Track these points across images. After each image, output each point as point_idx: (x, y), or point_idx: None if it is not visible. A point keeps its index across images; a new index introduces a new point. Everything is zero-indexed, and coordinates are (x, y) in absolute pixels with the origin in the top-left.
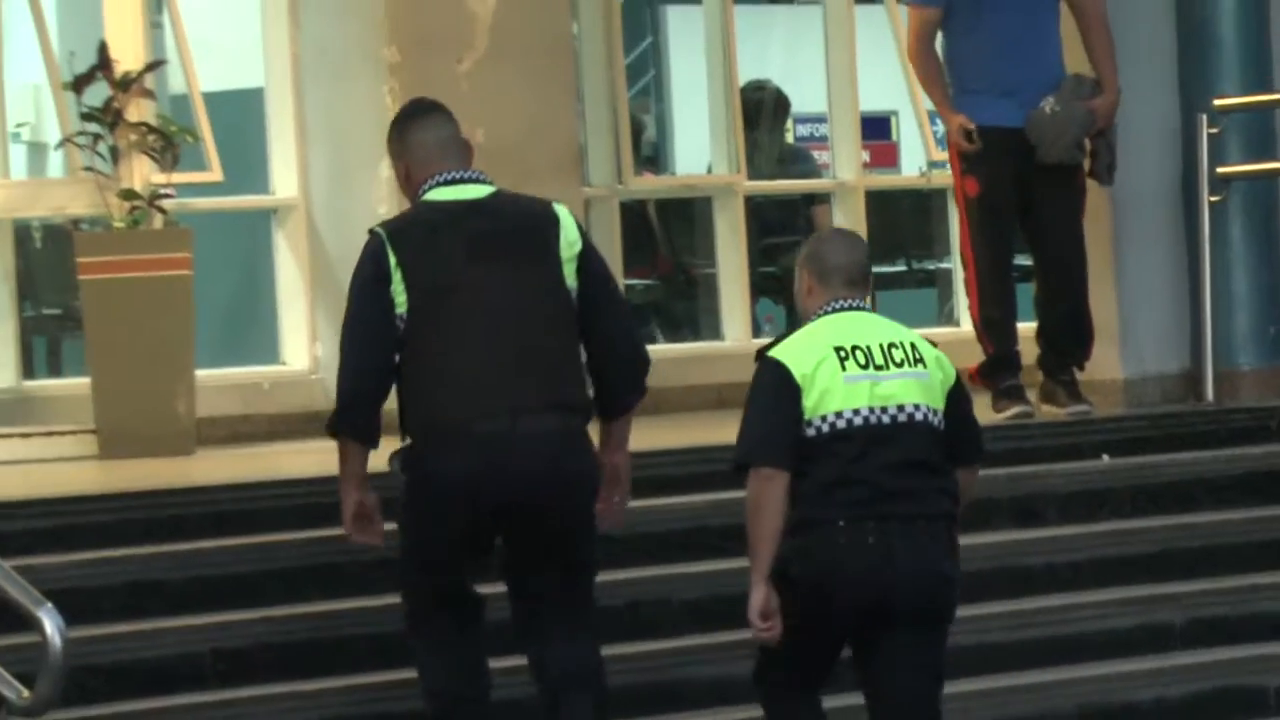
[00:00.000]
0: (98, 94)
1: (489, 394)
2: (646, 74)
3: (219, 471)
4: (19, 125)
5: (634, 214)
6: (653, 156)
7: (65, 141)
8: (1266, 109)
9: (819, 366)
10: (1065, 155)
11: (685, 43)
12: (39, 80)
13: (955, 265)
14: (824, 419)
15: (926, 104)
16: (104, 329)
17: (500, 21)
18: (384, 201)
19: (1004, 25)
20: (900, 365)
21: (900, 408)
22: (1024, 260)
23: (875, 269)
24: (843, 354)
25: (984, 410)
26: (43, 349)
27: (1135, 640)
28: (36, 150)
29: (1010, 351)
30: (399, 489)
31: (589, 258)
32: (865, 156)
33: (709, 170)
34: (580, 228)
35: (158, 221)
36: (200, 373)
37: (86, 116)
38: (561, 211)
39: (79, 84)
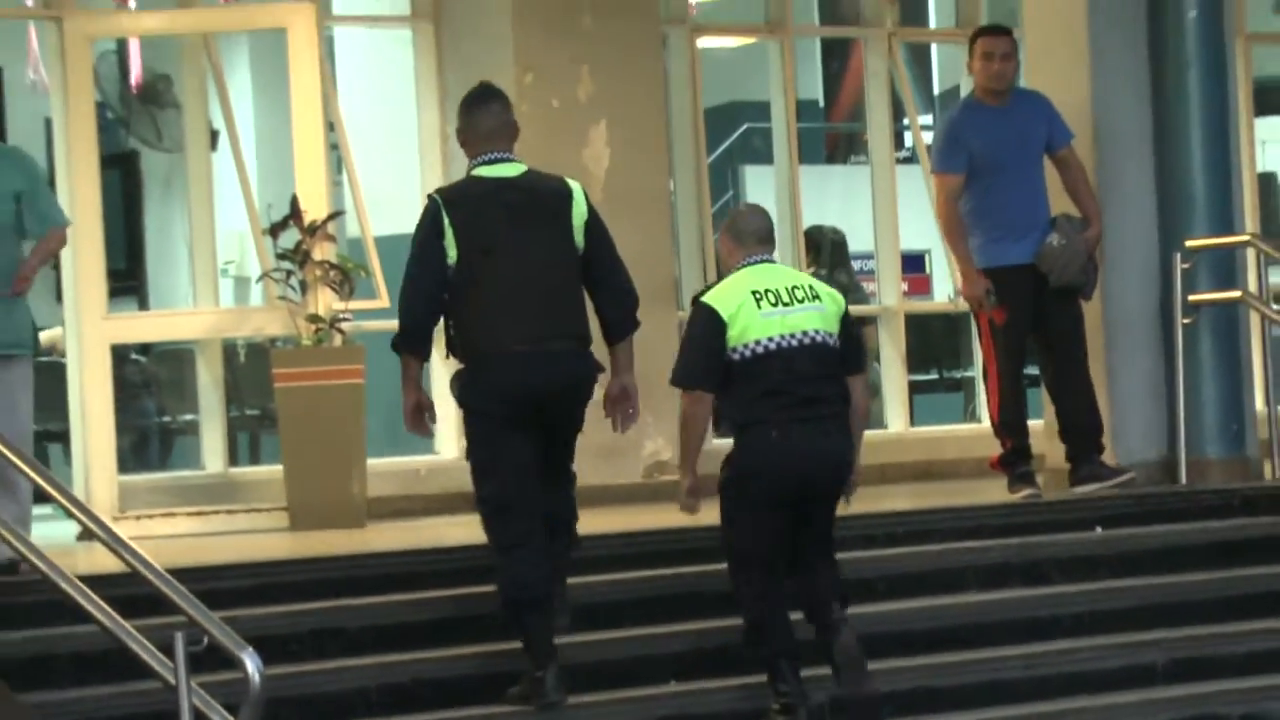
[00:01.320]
0: (290, 238)
1: (523, 326)
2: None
3: (385, 540)
4: (227, 263)
5: None
6: None
7: (264, 276)
8: (1228, 248)
9: (740, 307)
10: (1075, 279)
11: (760, 195)
12: (243, 228)
13: (977, 374)
14: (748, 346)
15: None
16: (293, 426)
17: (612, 178)
18: None
19: (1009, 185)
20: (802, 301)
21: (804, 333)
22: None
23: (912, 378)
24: (758, 296)
25: (1001, 492)
26: (245, 442)
27: (1125, 677)
28: (241, 284)
29: (1024, 444)
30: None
31: (594, 225)
32: (904, 286)
33: None
34: (588, 201)
35: (337, 340)
36: (370, 461)
37: (281, 256)
38: (575, 188)
39: (275, 230)
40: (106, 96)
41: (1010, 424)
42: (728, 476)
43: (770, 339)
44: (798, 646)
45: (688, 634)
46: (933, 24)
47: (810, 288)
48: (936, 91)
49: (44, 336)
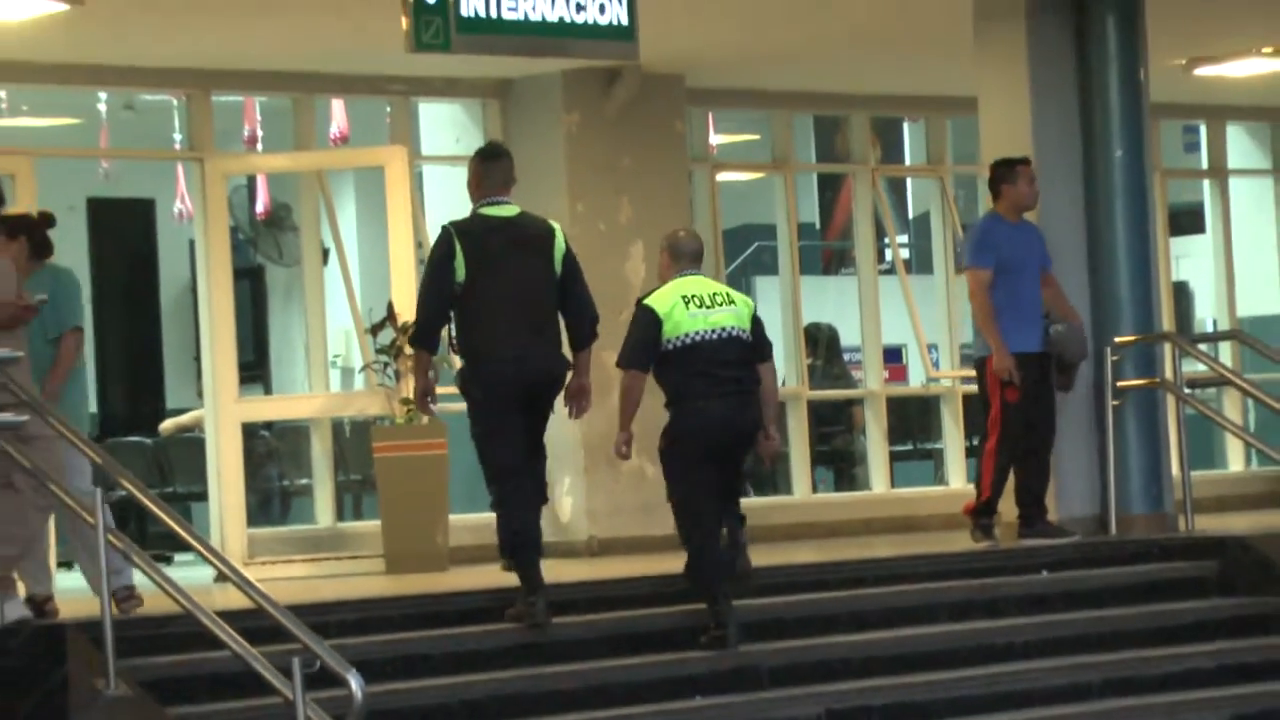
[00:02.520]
0: (386, 336)
1: (513, 333)
2: None
3: (464, 581)
4: (335, 356)
5: None
6: None
7: (366, 367)
8: (1149, 344)
9: (673, 308)
10: (1082, 355)
11: (767, 300)
12: (349, 327)
13: (946, 445)
14: (679, 338)
15: (926, 338)
16: (389, 488)
17: (647, 286)
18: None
19: (1023, 286)
20: (721, 305)
21: (723, 329)
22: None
23: (892, 448)
24: (687, 299)
25: (966, 542)
26: (350, 501)
27: (1068, 694)
28: (347, 373)
29: (996, 501)
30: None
31: (569, 259)
32: (885, 374)
33: (783, 383)
34: (566, 240)
35: (425, 419)
36: (452, 516)
37: (379, 351)
38: (556, 228)
39: (374, 330)
40: (238, 222)
41: (996, 484)
42: (667, 442)
43: (697, 333)
44: (726, 575)
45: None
46: (907, 161)
47: (727, 294)
48: (911, 215)
49: (187, 417)
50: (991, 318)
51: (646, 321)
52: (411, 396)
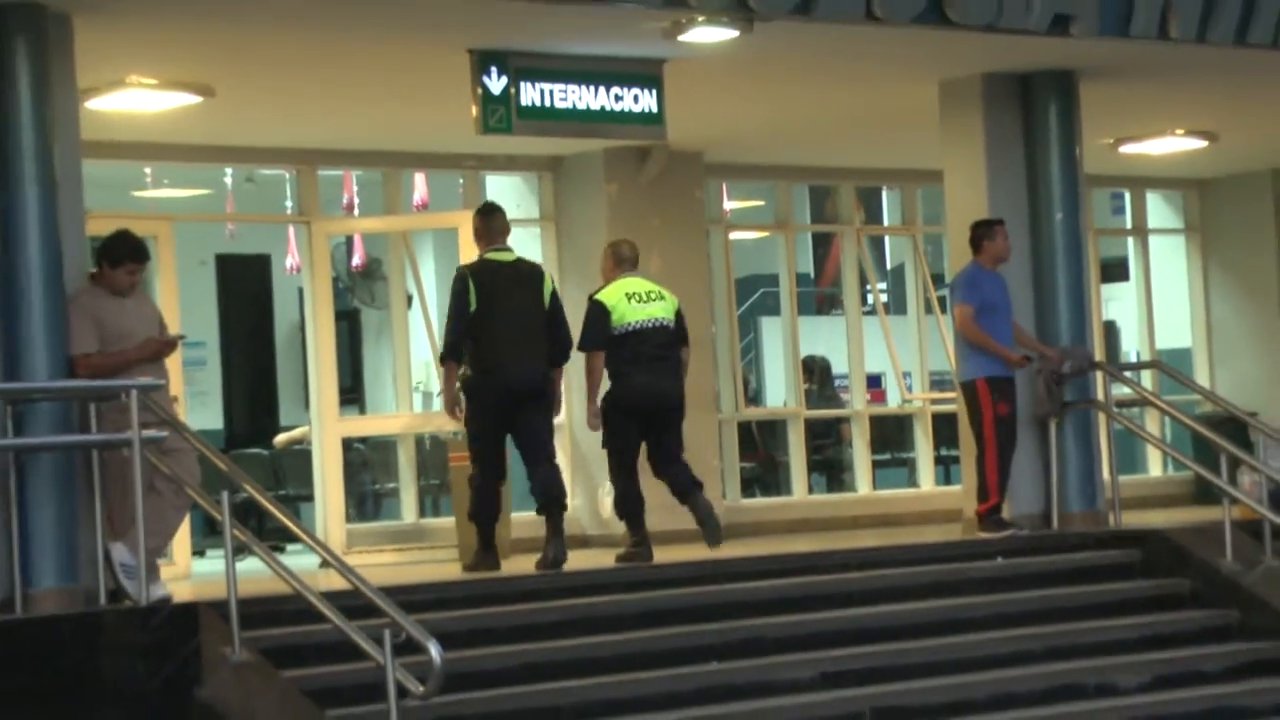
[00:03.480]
0: None
1: (512, 353)
2: (750, 352)
3: (523, 567)
4: (417, 383)
5: (745, 429)
6: (754, 397)
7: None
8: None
9: (618, 302)
10: (1085, 369)
11: (771, 337)
12: (428, 358)
13: (918, 455)
14: (623, 326)
15: (902, 367)
16: (461, 490)
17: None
18: None
19: (999, 323)
20: (654, 300)
21: (655, 319)
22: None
23: (873, 457)
24: (629, 295)
25: (933, 534)
26: (430, 501)
27: (1015, 659)
28: (427, 396)
29: (1002, 502)
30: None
31: (555, 296)
32: (868, 397)
33: (785, 404)
34: (553, 281)
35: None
36: (514, 513)
37: None
38: (546, 272)
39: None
40: (338, 273)
41: (1001, 486)
42: (606, 404)
43: (636, 322)
44: (643, 507)
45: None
46: (885, 222)
47: (659, 292)
48: (889, 267)
49: (297, 432)
50: (987, 338)
51: (598, 313)
52: (449, 414)
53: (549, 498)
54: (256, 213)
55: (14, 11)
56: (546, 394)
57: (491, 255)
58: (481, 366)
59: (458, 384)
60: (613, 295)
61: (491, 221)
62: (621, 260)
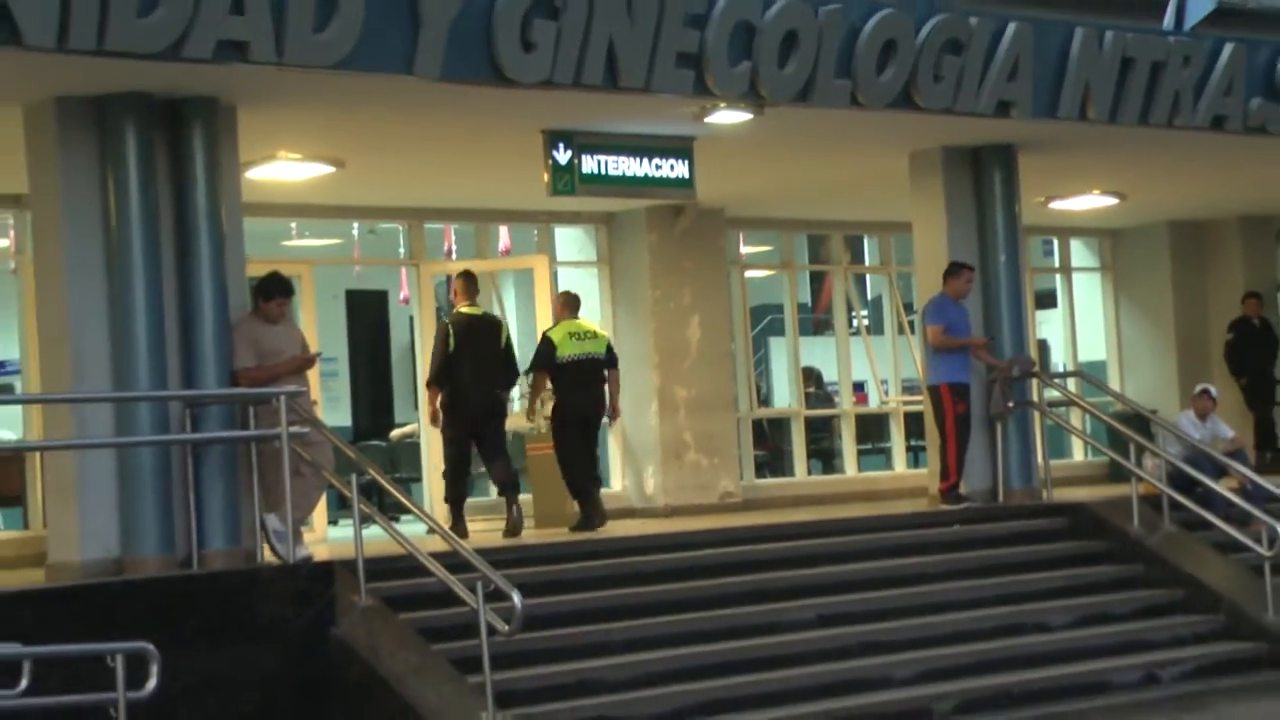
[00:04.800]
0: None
1: (475, 379)
2: (761, 364)
3: (588, 535)
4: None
5: (757, 425)
6: (765, 400)
7: (521, 397)
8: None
9: (563, 339)
10: (1028, 372)
11: (778, 352)
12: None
13: (893, 444)
14: (564, 358)
15: (880, 376)
16: (535, 473)
17: (700, 345)
18: (654, 415)
19: (959, 335)
20: (590, 339)
21: (589, 353)
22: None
23: (858, 447)
24: (570, 334)
25: (904, 507)
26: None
27: (970, 604)
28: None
29: (960, 480)
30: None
31: (508, 341)
32: (854, 399)
33: (789, 405)
34: (508, 332)
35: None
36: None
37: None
38: (503, 322)
39: (526, 373)
40: (441, 304)
41: (959, 469)
42: (555, 421)
43: (573, 355)
44: (586, 487)
45: (743, 581)
46: (867, 262)
47: (594, 332)
48: (869, 297)
49: (408, 428)
50: (955, 340)
51: (547, 345)
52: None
53: (504, 485)
54: (377, 257)
55: (193, 103)
56: (500, 411)
57: (465, 310)
58: (456, 391)
59: (440, 404)
60: (559, 333)
61: (469, 285)
62: (568, 306)
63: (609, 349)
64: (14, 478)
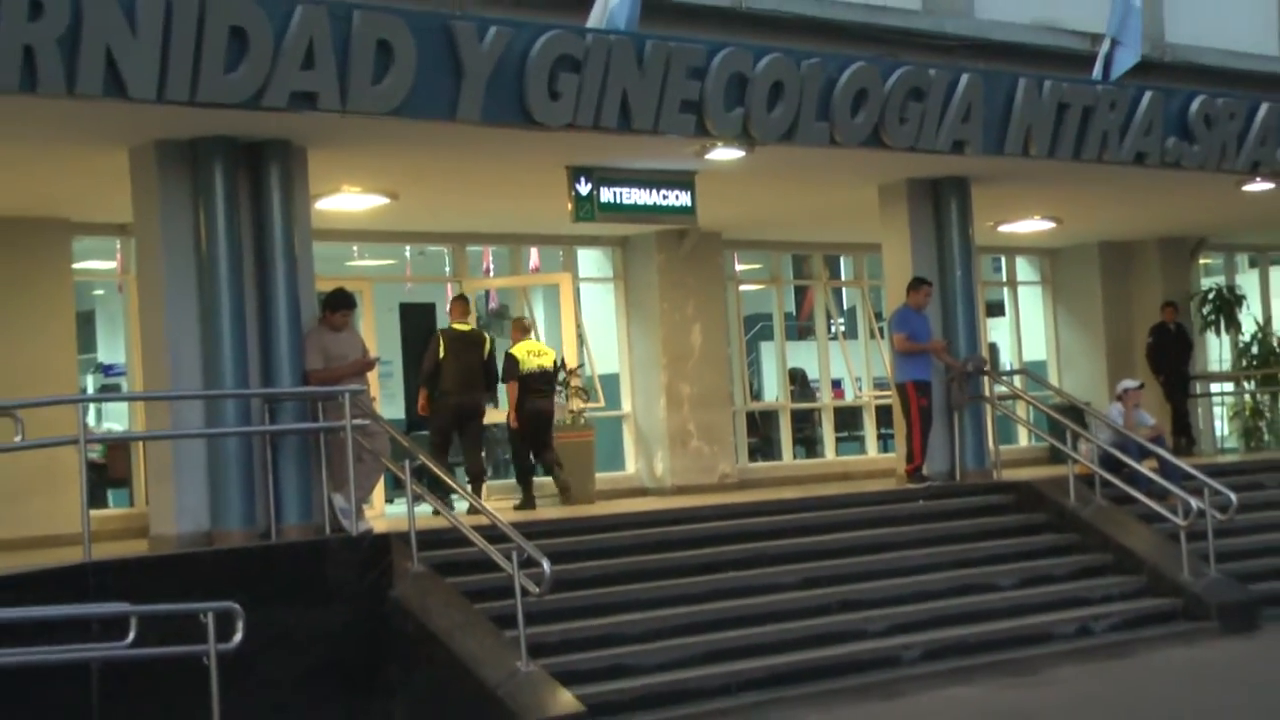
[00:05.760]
0: (560, 376)
1: (460, 389)
2: (753, 365)
3: (604, 510)
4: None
5: (750, 416)
6: (756, 395)
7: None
8: (977, 375)
9: (523, 356)
10: (980, 369)
11: (768, 354)
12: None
13: (866, 433)
14: (525, 372)
15: (855, 374)
16: (565, 458)
17: (702, 350)
18: (667, 410)
19: (921, 342)
20: (542, 356)
21: (542, 367)
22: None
23: (836, 435)
24: (528, 352)
25: (878, 485)
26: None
27: (929, 568)
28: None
29: (923, 463)
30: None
31: (492, 351)
32: (832, 394)
33: (776, 399)
34: (493, 342)
35: (582, 421)
36: (598, 474)
37: (560, 384)
38: (487, 335)
39: (571, 372)
40: (480, 315)
41: (922, 453)
42: (513, 419)
43: (533, 369)
44: (532, 476)
45: (738, 549)
46: (843, 278)
47: (544, 349)
48: (845, 308)
49: None
50: (918, 345)
51: (511, 361)
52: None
53: (473, 475)
54: (426, 275)
55: (270, 146)
56: (479, 412)
57: (456, 325)
58: (441, 394)
59: (427, 405)
60: (519, 351)
61: (463, 306)
62: (521, 329)
63: (557, 363)
64: (122, 463)
